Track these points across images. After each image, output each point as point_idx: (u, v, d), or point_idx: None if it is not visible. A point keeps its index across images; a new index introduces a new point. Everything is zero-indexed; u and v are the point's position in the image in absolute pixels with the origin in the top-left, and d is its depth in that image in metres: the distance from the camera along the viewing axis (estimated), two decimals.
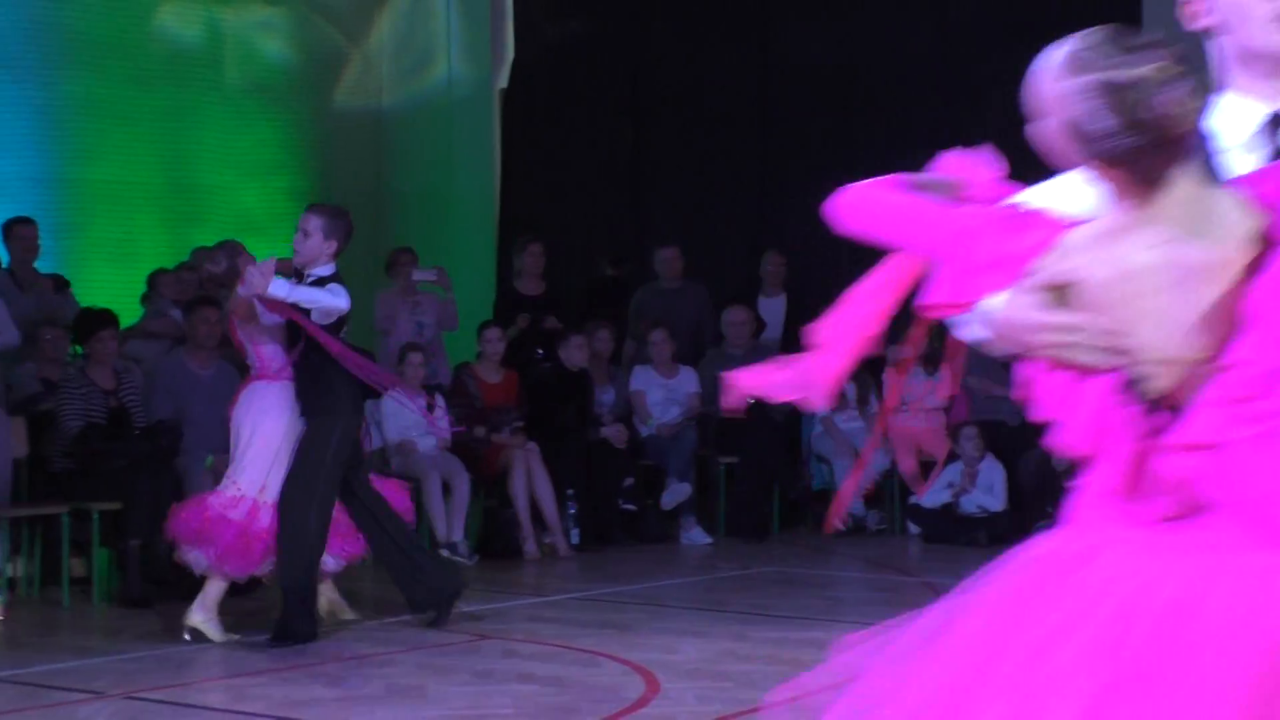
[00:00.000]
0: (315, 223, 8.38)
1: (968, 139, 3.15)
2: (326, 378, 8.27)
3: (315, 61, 15.33)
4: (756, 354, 11.79)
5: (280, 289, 8.02)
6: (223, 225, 13.69)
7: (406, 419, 11.39)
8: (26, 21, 13.76)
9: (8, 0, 13.64)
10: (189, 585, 9.49)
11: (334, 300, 8.21)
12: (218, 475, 9.43)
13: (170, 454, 10.31)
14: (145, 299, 12.32)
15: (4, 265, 11.94)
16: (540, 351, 12.61)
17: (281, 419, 8.43)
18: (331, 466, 8.18)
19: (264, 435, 8.52)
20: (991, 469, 12.16)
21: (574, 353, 12.22)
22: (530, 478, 11.75)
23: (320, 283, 8.28)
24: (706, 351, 13.20)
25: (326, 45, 15.40)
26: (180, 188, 14.74)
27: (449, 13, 15.62)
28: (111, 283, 13.22)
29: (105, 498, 9.99)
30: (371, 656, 8.34)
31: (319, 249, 8.37)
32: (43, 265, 12.26)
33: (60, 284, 12.24)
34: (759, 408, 9.76)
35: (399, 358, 11.71)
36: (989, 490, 12.14)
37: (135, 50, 14.23)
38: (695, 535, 12.37)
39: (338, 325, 8.36)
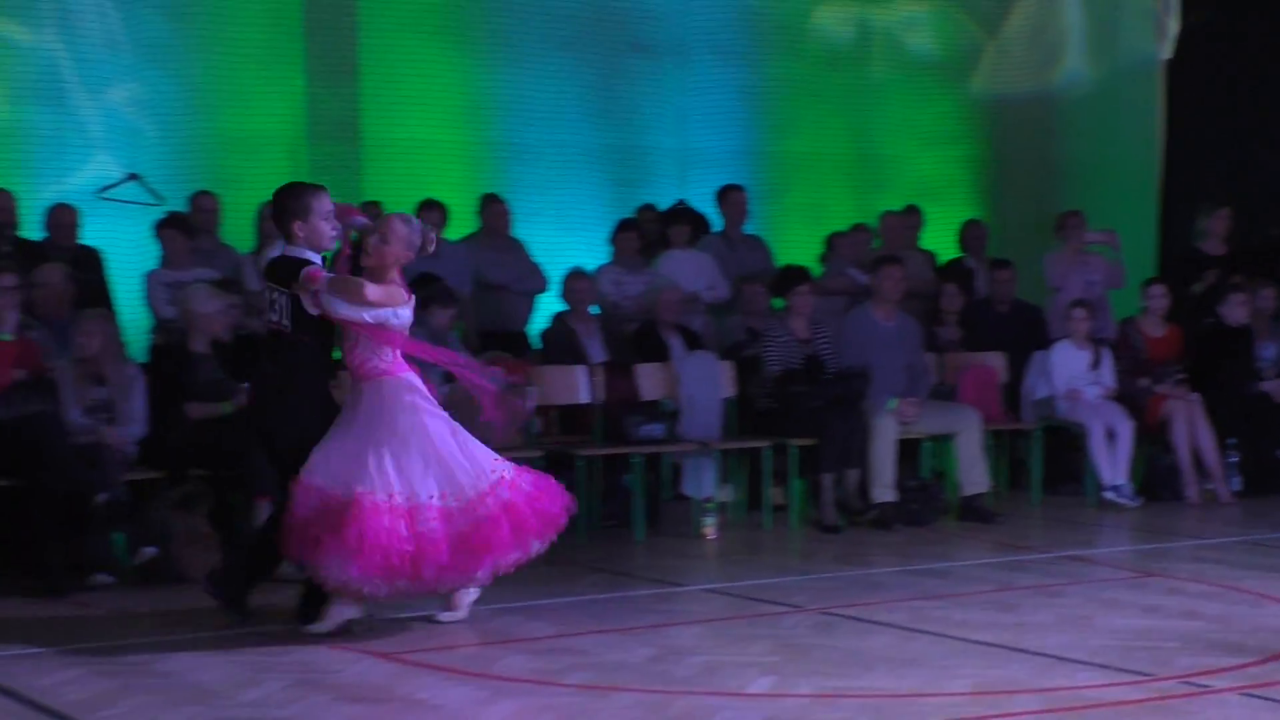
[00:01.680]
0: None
1: None
2: None
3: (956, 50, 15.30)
4: None
5: None
6: (903, 191, 14.00)
7: (1074, 368, 11.25)
8: (734, 11, 14.27)
9: None
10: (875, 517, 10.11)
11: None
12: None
13: (858, 397, 10.42)
14: (824, 258, 12.56)
15: (717, 229, 12.50)
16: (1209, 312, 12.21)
17: None
18: None
19: None
20: None
21: (1236, 309, 11.77)
22: (1191, 427, 11.35)
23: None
24: None
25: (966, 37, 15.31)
26: (866, 158, 14.89)
27: None
28: (806, 243, 13.27)
29: (801, 434, 10.28)
30: (1042, 587, 8.28)
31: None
32: (748, 228, 12.73)
33: (756, 245, 12.70)
34: None
35: (1065, 313, 11.68)
36: None
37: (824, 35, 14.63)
38: None
39: None
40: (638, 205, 12.92)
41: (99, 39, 12.07)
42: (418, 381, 7.20)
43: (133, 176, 11.82)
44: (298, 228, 7.04)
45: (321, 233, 7.11)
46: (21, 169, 11.47)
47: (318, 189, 7.20)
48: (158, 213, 11.20)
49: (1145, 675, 6.32)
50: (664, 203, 13.02)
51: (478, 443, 7.20)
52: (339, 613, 7.05)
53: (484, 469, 7.04)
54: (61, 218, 10.75)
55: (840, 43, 14.81)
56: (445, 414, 7.24)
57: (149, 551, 8.69)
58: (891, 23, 15.08)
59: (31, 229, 10.90)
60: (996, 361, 11.78)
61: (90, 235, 11.07)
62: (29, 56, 11.91)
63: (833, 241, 12.64)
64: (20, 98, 11.86)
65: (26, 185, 11.36)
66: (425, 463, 6.97)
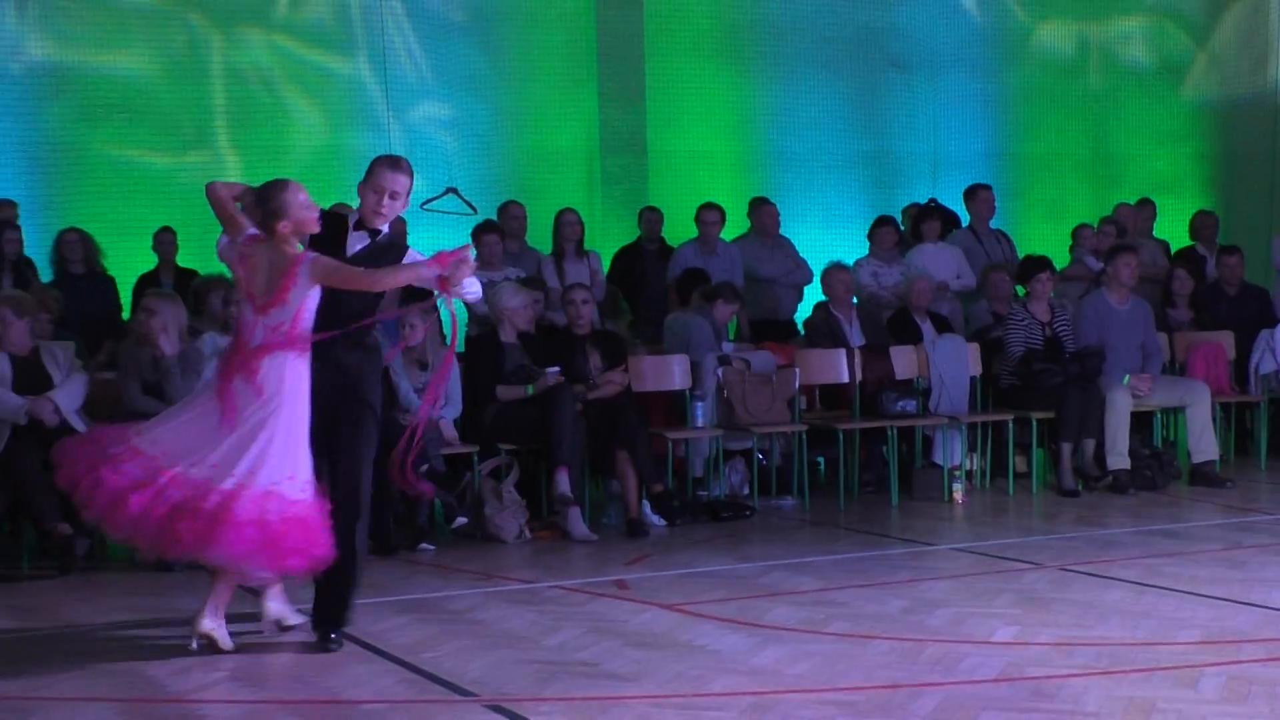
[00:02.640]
0: (405, 184, 6.12)
1: None
2: None
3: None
4: None
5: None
6: (1137, 186, 13.56)
7: None
8: (975, 30, 14.07)
9: (964, 11, 14.00)
10: (1110, 483, 9.69)
11: None
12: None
13: (1094, 374, 10.10)
14: (1071, 249, 12.16)
15: (965, 224, 12.21)
16: None
17: None
18: None
19: None
20: None
21: None
22: None
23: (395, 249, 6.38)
24: None
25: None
26: (1101, 157, 14.55)
27: None
28: (1047, 236, 13.16)
29: (1042, 408, 10.00)
30: (1270, 546, 7.92)
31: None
32: (994, 223, 12.38)
33: (1001, 238, 12.36)
34: None
35: None
36: None
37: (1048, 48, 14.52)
38: None
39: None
40: (897, 205, 12.72)
41: (408, 68, 12.40)
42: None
43: (451, 190, 11.96)
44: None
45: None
46: (341, 188, 11.54)
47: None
48: (473, 221, 11.31)
49: None
50: (917, 201, 12.81)
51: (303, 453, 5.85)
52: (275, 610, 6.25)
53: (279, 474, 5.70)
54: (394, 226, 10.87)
55: (1062, 55, 14.58)
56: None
57: (462, 520, 8.75)
58: (1109, 37, 14.83)
59: None
60: (1225, 340, 11.29)
61: (415, 242, 11.15)
62: (346, 84, 12.21)
63: (1077, 233, 12.27)
64: (339, 123, 12.17)
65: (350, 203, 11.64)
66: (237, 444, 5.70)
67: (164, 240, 10.51)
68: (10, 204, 10.46)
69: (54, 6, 11.33)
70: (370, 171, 6.13)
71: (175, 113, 11.78)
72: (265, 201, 5.66)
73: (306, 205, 5.82)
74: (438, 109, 12.60)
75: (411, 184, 6.07)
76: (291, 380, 5.72)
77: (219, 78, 11.81)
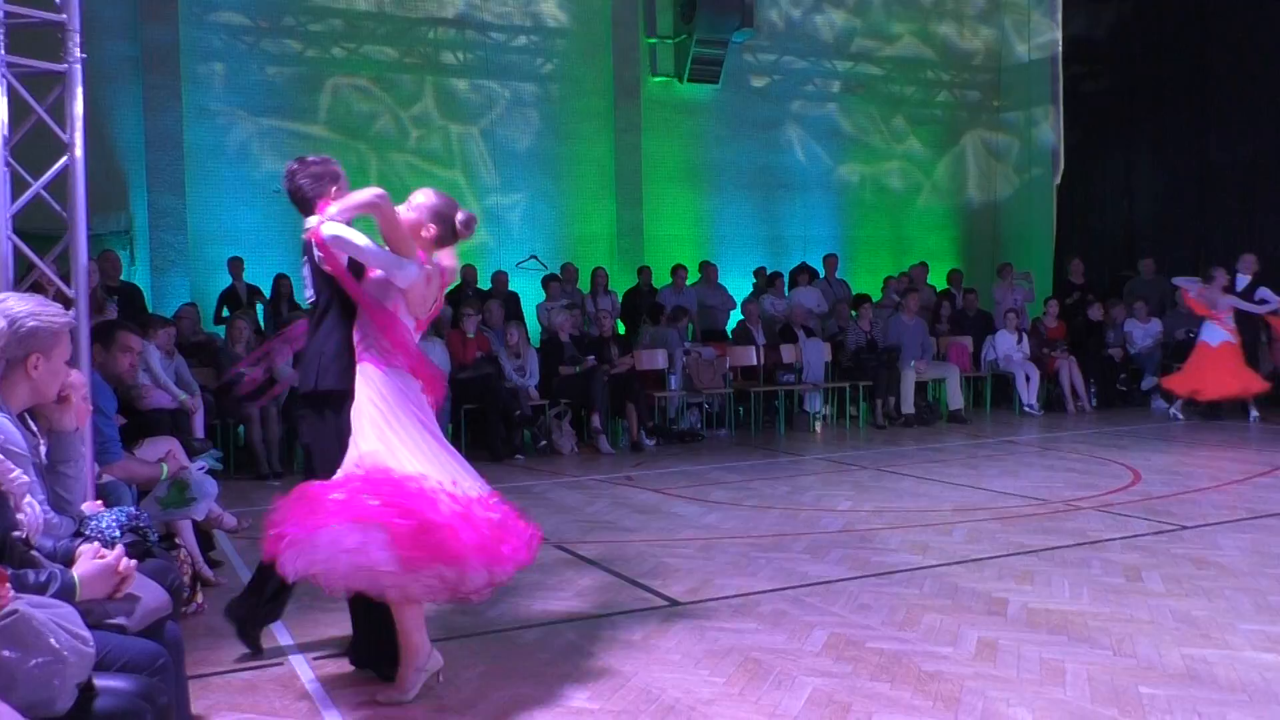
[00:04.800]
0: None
1: None
2: None
3: None
4: None
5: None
6: (918, 255, 13.17)
7: None
8: (824, 166, 13.39)
9: (816, 157, 13.24)
10: (903, 422, 9.39)
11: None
12: None
13: (894, 361, 9.98)
14: (883, 290, 11.69)
15: (822, 276, 11.80)
16: None
17: None
18: None
19: None
20: None
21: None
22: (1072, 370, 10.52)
23: None
24: None
25: None
26: (899, 238, 13.77)
27: None
28: (868, 283, 12.57)
29: (865, 379, 9.97)
30: (994, 460, 7.67)
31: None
32: (838, 274, 12.06)
33: (841, 284, 11.94)
34: None
35: None
36: None
37: None
38: None
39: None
40: (785, 265, 12.26)
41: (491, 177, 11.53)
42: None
43: (533, 256, 11.79)
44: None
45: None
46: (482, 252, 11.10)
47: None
48: (543, 273, 11.24)
49: (1041, 499, 6.00)
50: (797, 262, 12.32)
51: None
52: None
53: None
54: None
55: (859, 182, 13.62)
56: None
57: (542, 443, 8.67)
58: (878, 172, 13.68)
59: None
60: (967, 341, 11.07)
61: (515, 287, 11.03)
62: (448, 185, 10.88)
63: (886, 282, 11.72)
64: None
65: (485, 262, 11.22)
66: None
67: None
68: None
69: None
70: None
71: None
72: (446, 219, 3.26)
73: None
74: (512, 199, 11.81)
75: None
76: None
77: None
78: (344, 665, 3.44)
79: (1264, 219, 11.41)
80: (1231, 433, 8.95)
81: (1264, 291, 9.52)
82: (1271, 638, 3.63)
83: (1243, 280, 9.62)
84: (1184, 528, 5.30)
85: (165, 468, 4.08)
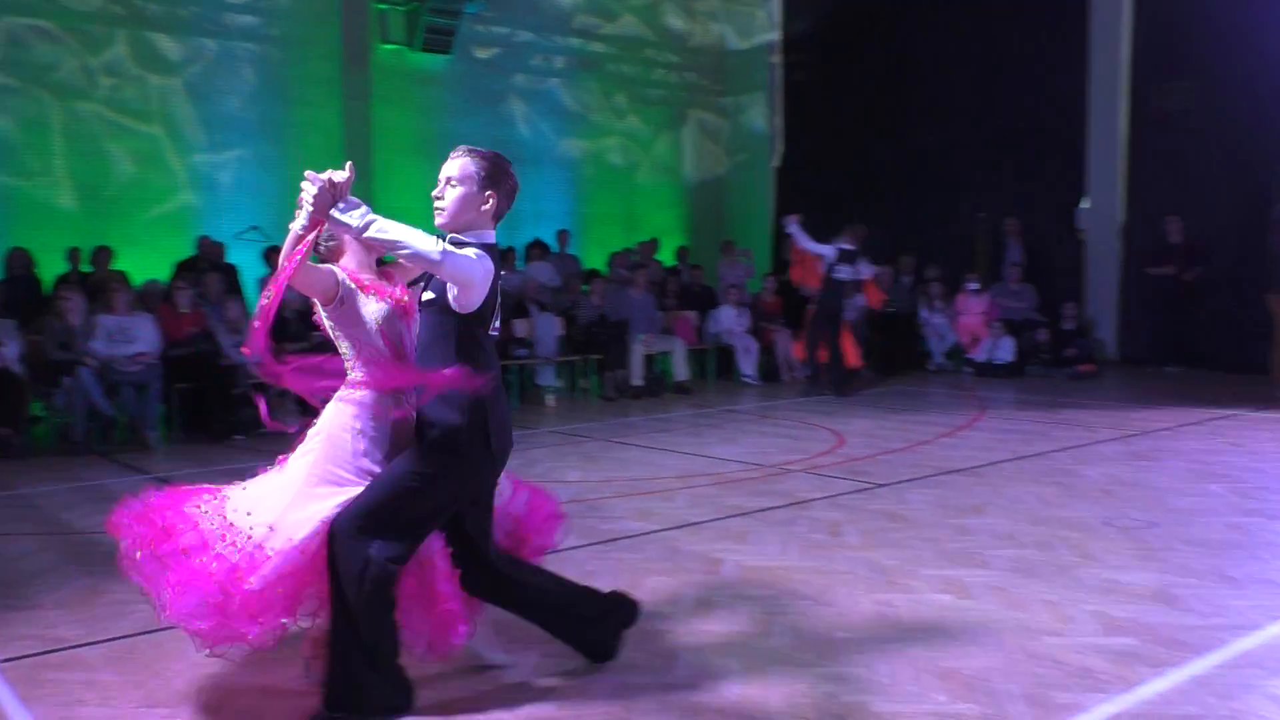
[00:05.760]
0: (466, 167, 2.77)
1: None
2: None
3: None
4: None
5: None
6: (648, 231, 13.39)
7: None
8: (551, 141, 13.39)
9: (542, 134, 13.23)
10: (631, 393, 9.41)
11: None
12: None
13: (624, 334, 10.07)
14: (609, 265, 11.86)
15: (555, 251, 11.89)
16: None
17: None
18: None
19: None
20: None
21: None
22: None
23: None
24: None
25: None
26: (630, 214, 13.84)
27: None
28: (599, 257, 12.60)
29: (597, 352, 9.98)
30: (720, 426, 7.85)
31: (472, 205, 2.79)
32: (570, 249, 12.16)
33: (573, 260, 11.89)
34: None
35: None
36: None
37: None
38: None
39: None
40: (520, 240, 11.89)
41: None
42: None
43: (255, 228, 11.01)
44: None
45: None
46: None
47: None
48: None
49: (757, 464, 6.24)
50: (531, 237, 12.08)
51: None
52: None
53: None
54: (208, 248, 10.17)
55: (586, 158, 13.68)
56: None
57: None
58: (599, 149, 13.83)
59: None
60: (692, 316, 11.35)
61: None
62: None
63: (613, 257, 11.93)
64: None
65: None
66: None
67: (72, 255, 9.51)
68: None
69: None
70: None
71: None
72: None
73: None
74: None
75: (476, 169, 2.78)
76: None
77: None
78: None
79: (962, 196, 12.59)
80: (917, 399, 9.52)
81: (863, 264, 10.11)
82: (948, 580, 3.99)
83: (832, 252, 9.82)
84: (879, 485, 5.64)
85: None
